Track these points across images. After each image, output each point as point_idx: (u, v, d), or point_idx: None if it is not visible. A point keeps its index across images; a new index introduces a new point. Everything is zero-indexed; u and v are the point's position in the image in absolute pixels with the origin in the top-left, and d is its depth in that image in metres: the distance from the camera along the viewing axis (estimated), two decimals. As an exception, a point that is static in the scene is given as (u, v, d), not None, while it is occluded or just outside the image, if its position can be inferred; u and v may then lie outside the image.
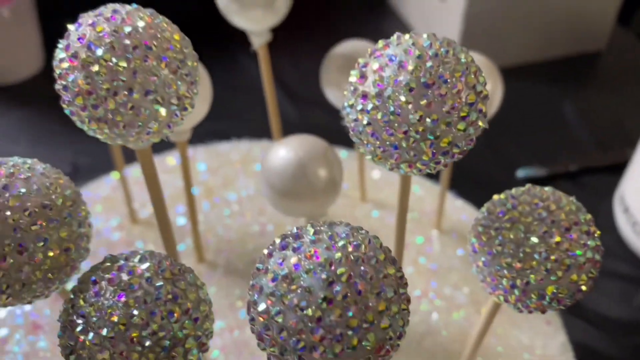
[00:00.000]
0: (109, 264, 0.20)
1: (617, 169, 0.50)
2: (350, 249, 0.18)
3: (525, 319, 0.38)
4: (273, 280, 0.18)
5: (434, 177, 0.47)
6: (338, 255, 0.18)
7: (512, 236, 0.23)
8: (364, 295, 0.17)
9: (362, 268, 0.18)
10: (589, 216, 0.23)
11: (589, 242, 0.22)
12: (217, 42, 0.58)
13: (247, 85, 0.59)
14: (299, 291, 0.17)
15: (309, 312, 0.17)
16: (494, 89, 0.34)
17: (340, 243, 0.18)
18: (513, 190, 0.24)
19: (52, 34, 0.62)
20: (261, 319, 0.18)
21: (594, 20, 0.62)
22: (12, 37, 0.58)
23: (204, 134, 0.49)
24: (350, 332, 0.17)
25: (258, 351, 0.36)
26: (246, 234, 0.43)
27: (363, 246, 0.18)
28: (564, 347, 0.37)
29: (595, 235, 0.23)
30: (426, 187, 0.46)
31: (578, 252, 0.22)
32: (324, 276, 0.17)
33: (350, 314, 0.17)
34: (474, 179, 0.49)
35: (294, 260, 0.18)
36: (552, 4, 0.58)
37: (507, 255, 0.23)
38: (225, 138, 0.51)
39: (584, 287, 0.23)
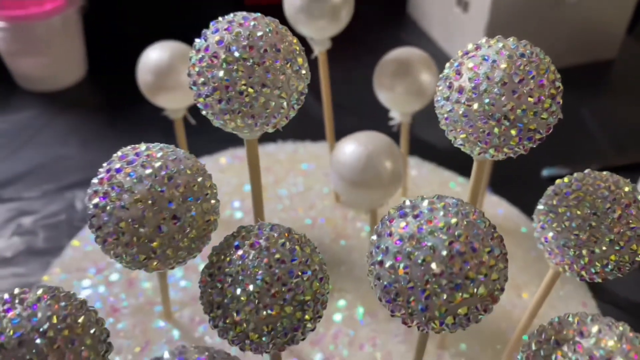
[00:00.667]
0: (244, 233, 0.23)
1: (636, 168, 0.54)
2: (462, 216, 0.21)
3: (562, 301, 0.42)
4: (399, 241, 0.21)
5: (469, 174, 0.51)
6: (454, 220, 0.21)
7: (579, 212, 0.26)
8: (479, 253, 0.21)
9: (475, 231, 0.21)
10: (642, 196, 0.27)
11: (645, 218, 0.26)
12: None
13: None
14: (424, 249, 0.21)
15: (434, 266, 0.21)
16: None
17: (454, 210, 0.22)
18: (575, 175, 0.28)
19: (93, 45, 0.66)
20: (389, 273, 0.21)
21: (606, 31, 0.67)
22: (61, 45, 0.62)
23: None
24: (468, 282, 0.21)
25: (320, 326, 0.40)
26: (300, 226, 0.46)
27: (471, 214, 0.22)
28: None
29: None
30: (461, 184, 0.50)
31: (637, 225, 0.26)
32: (444, 237, 0.21)
33: (467, 267, 0.21)
34: (503, 178, 0.53)
35: (416, 225, 0.21)
36: (568, 16, 0.63)
37: (574, 229, 0.26)
38: (272, 140, 0.54)
39: (640, 257, 0.26)
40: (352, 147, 0.35)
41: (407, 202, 0.23)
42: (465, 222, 0.21)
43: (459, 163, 0.53)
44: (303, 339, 0.23)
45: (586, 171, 0.28)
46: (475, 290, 0.21)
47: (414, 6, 0.75)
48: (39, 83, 0.63)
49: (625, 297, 0.45)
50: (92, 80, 0.66)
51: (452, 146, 0.61)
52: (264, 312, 0.22)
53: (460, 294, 0.21)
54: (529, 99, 0.23)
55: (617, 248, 0.26)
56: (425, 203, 0.22)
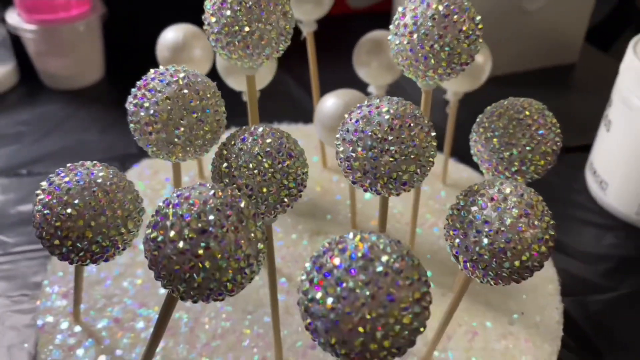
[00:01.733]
0: (246, 128, 0.32)
1: (585, 148, 0.63)
2: (402, 105, 0.30)
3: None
4: (356, 122, 0.30)
5: (440, 148, 0.60)
6: (395, 106, 0.30)
7: (500, 124, 0.35)
8: (412, 127, 0.30)
9: (411, 113, 0.30)
10: (551, 113, 0.36)
11: (552, 128, 0.35)
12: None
13: (282, 90, 0.73)
14: (373, 124, 0.30)
15: (380, 135, 0.29)
16: (486, 60, 0.48)
17: (396, 101, 0.31)
18: (500, 101, 0.37)
19: (111, 49, 0.76)
20: (348, 145, 0.30)
21: (567, 38, 0.77)
22: (83, 48, 0.72)
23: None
24: (403, 147, 0.29)
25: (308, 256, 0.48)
26: (292, 186, 0.55)
27: (409, 104, 0.31)
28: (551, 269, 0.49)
29: (556, 124, 0.36)
30: (434, 156, 0.59)
31: (544, 131, 0.35)
32: (387, 116, 0.30)
33: (403, 136, 0.29)
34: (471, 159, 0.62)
35: (368, 109, 0.30)
36: (531, 24, 0.73)
37: (497, 137, 0.35)
38: (270, 122, 0.64)
39: (549, 158, 0.35)
40: (332, 100, 0.44)
41: (365, 101, 0.32)
42: (403, 108, 0.30)
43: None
44: (288, 206, 0.32)
45: (509, 98, 0.37)
46: (408, 152, 0.30)
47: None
48: (63, 82, 0.73)
49: (573, 247, 0.53)
50: (110, 80, 0.76)
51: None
52: (259, 178, 0.30)
53: (397, 155, 0.29)
54: (454, 30, 0.33)
55: (529, 149, 0.35)
56: (377, 99, 0.31)
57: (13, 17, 0.69)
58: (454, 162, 0.59)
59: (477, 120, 0.37)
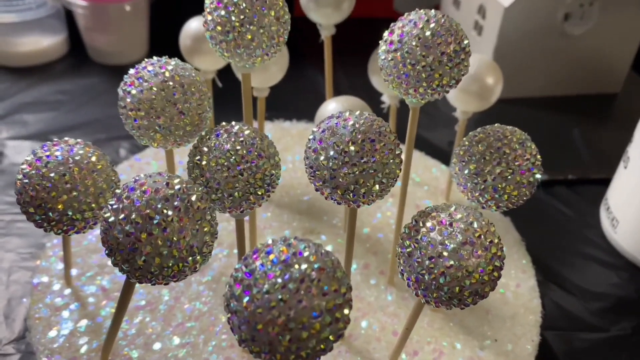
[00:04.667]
0: (223, 124, 0.34)
1: (605, 181, 0.61)
2: (368, 119, 0.31)
3: (505, 266, 0.50)
4: (322, 131, 0.31)
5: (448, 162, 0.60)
6: (362, 121, 0.31)
7: (479, 149, 0.35)
8: (377, 142, 0.31)
9: (375, 129, 0.31)
10: (533, 145, 0.36)
11: (530, 159, 0.35)
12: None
13: (308, 89, 0.75)
14: (336, 136, 0.31)
15: (342, 146, 0.30)
16: (496, 82, 0.47)
17: (364, 116, 0.31)
18: (486, 125, 0.37)
19: (155, 28, 0.79)
20: (313, 153, 0.31)
21: (611, 65, 0.75)
22: (129, 27, 0.75)
23: (274, 115, 0.65)
24: (365, 160, 0.30)
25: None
26: (298, 183, 0.56)
27: (377, 120, 0.32)
28: (533, 290, 0.48)
29: (536, 155, 0.35)
30: (442, 171, 0.59)
31: (520, 161, 0.35)
32: (351, 130, 0.31)
33: (364, 150, 0.30)
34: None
35: (335, 121, 0.31)
36: (573, 48, 0.71)
37: (473, 162, 0.35)
38: (289, 119, 0.66)
39: (525, 189, 0.35)
40: (332, 105, 0.45)
41: (334, 115, 0.33)
42: (370, 123, 0.31)
43: (442, 155, 0.62)
44: (255, 204, 0.33)
45: (495, 124, 0.37)
46: (368, 167, 0.30)
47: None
48: (107, 57, 0.77)
49: (571, 281, 0.52)
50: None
51: (440, 141, 0.69)
52: (225, 173, 0.32)
53: (356, 169, 0.30)
54: (437, 51, 0.33)
55: (503, 178, 0.35)
56: (347, 112, 0.32)
57: (67, -8, 0.73)
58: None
59: (461, 142, 0.37)
